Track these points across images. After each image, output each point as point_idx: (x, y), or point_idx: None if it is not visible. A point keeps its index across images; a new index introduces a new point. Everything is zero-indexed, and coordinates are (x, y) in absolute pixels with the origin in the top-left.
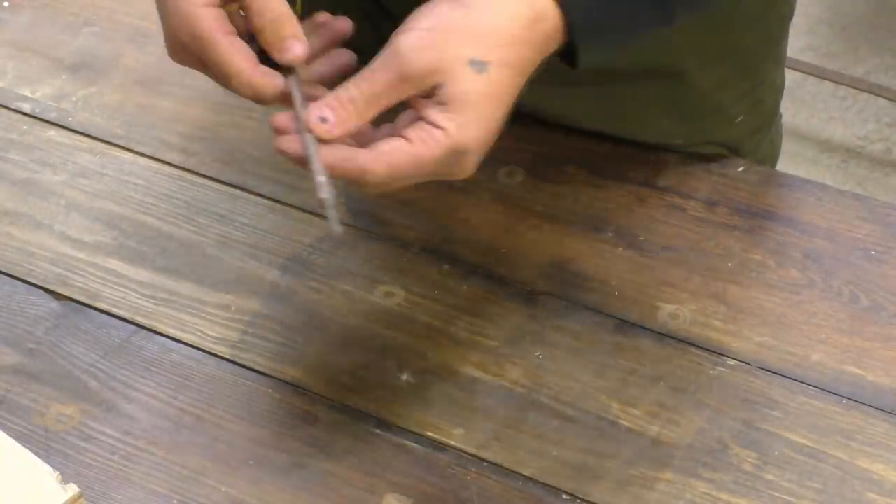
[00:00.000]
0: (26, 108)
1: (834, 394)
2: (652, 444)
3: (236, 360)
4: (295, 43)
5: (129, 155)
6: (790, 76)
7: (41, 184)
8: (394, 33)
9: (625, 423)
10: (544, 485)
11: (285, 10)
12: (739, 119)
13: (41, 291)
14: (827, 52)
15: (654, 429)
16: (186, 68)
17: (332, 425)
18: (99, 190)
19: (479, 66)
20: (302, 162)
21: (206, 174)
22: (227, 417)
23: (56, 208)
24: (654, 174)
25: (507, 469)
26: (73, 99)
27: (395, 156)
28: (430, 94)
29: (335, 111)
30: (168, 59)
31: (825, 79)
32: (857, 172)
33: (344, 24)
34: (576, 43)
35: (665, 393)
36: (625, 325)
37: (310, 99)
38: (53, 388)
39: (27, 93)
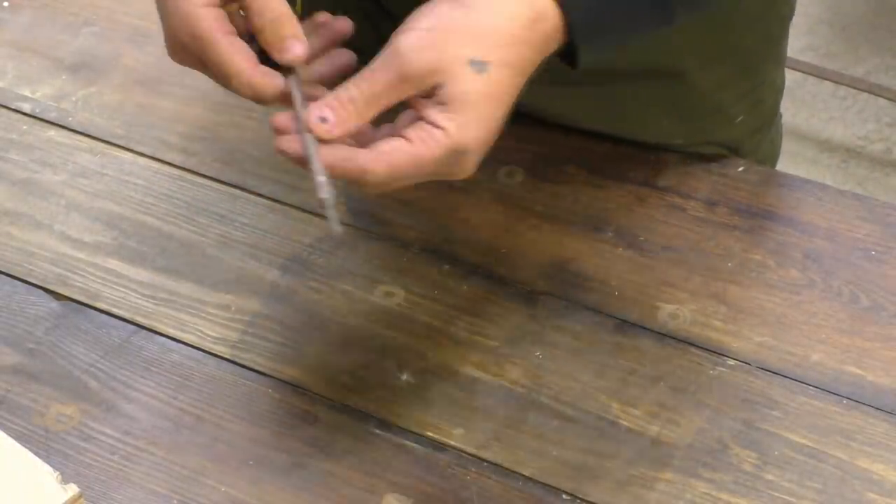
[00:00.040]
0: (26, 108)
1: (834, 394)
2: (652, 444)
3: (236, 360)
4: (295, 43)
5: (129, 155)
6: (790, 76)
7: (41, 184)
8: (394, 33)
9: (625, 423)
10: (544, 485)
11: (285, 10)
12: (739, 119)
13: (41, 291)
14: (827, 52)
15: (654, 429)
16: (186, 68)
17: (332, 425)
18: (99, 190)
19: (479, 66)
20: (302, 162)
21: (206, 174)
22: (227, 417)
23: (56, 208)
24: (654, 174)
25: (507, 469)
26: (73, 99)
27: (395, 156)
28: (430, 94)
29: (335, 111)
30: (168, 59)
31: (825, 79)
32: (857, 172)
33: (344, 24)
34: (576, 43)
35: (665, 393)
36: (625, 325)
37: (310, 99)
38: (53, 388)
39: (27, 93)
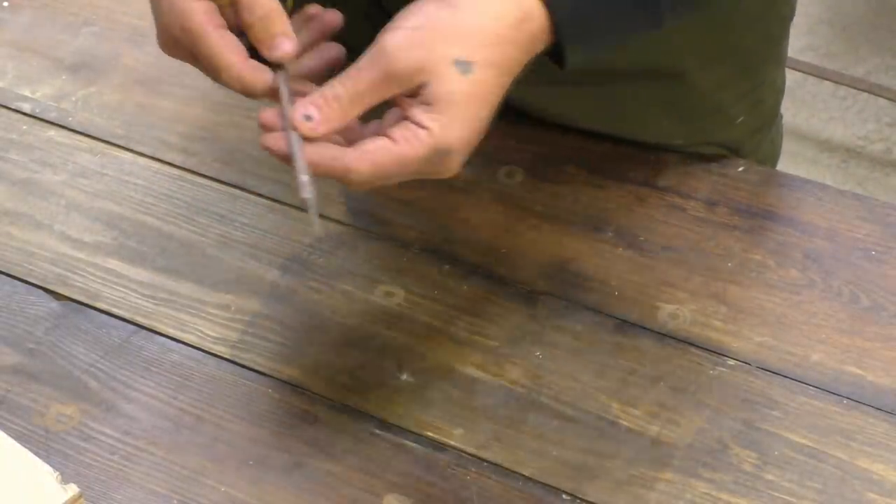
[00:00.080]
0: (26, 108)
1: (834, 394)
2: (652, 444)
3: (236, 360)
4: (284, 40)
5: (129, 155)
6: (790, 76)
7: (41, 184)
8: (381, 32)
9: (625, 423)
10: (544, 485)
11: (275, 7)
12: (740, 120)
13: (41, 291)
14: (827, 52)
15: (654, 429)
16: (186, 68)
17: (332, 425)
18: (99, 190)
19: (464, 66)
20: (287, 159)
21: (206, 174)
22: (227, 417)
23: (56, 208)
24: (654, 174)
25: (507, 469)
26: (73, 99)
27: (378, 155)
28: (415, 93)
29: (320, 109)
30: (167, 59)
31: (825, 79)
32: (857, 172)
33: (334, 17)
34: (563, 43)
35: (665, 393)
36: (625, 325)
37: (298, 95)
38: (53, 388)
39: (27, 93)
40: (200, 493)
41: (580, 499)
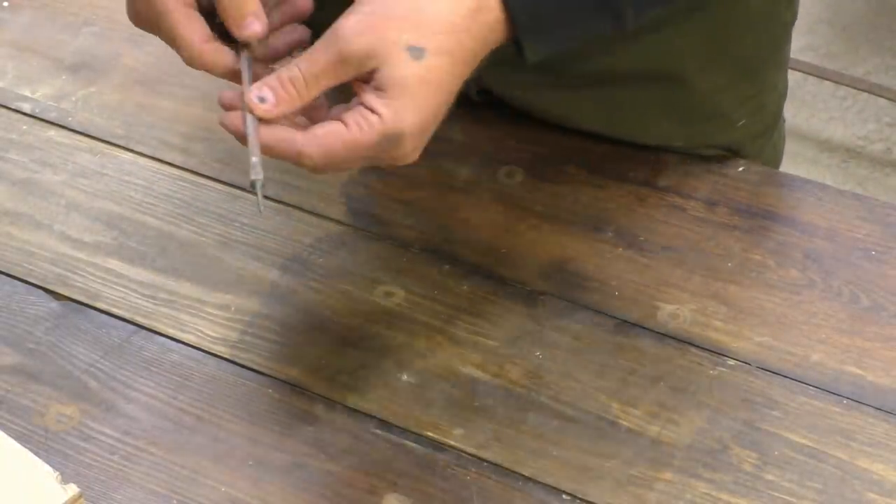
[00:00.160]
0: (26, 108)
1: (834, 394)
2: (652, 444)
3: (236, 359)
4: (254, 20)
5: (129, 155)
6: (790, 76)
7: (41, 184)
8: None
9: (625, 423)
10: (544, 485)
11: None
12: (741, 123)
13: (41, 291)
14: (827, 52)
15: (654, 429)
16: (186, 68)
17: (332, 425)
18: (99, 190)
19: (416, 52)
20: (244, 139)
21: (206, 174)
22: (227, 417)
23: (56, 208)
24: (654, 174)
25: (507, 469)
26: (73, 99)
27: (329, 139)
28: (369, 78)
29: (275, 91)
30: (167, 59)
31: (825, 79)
32: (857, 172)
33: (305, 3)
34: (519, 36)
35: (665, 393)
36: (625, 325)
37: (259, 78)
38: (53, 388)
39: (27, 93)
40: (200, 493)
41: (580, 499)
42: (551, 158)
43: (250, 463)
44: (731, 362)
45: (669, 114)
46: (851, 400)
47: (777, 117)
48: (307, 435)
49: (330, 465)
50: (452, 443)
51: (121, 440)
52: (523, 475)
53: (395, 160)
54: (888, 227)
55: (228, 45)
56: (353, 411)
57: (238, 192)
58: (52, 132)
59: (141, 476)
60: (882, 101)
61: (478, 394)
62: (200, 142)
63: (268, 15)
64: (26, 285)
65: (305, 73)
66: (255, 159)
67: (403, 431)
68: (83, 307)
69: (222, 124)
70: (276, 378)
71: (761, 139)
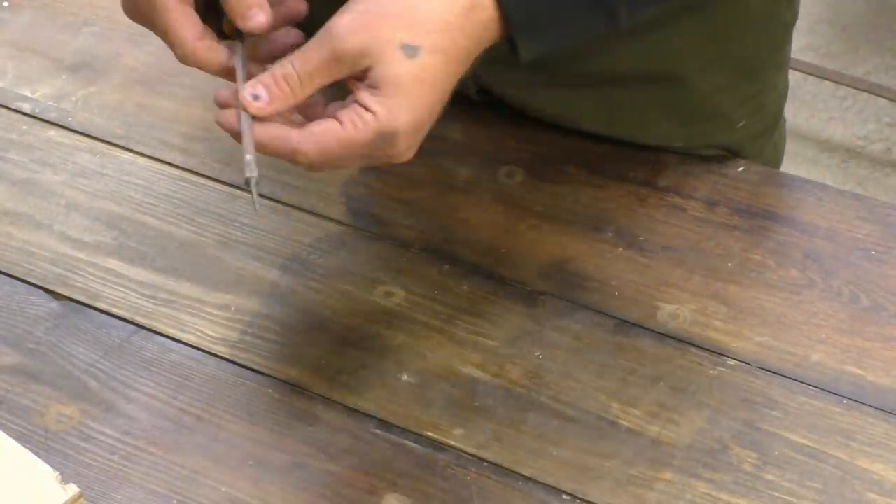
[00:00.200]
0: (26, 108)
1: (834, 394)
2: (652, 444)
3: (236, 359)
4: (258, 12)
5: (129, 155)
6: (790, 76)
7: (41, 184)
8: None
9: (625, 423)
10: (544, 485)
11: None
12: (741, 124)
13: (41, 291)
14: (827, 52)
15: (654, 429)
16: (186, 68)
17: (332, 425)
18: (99, 190)
19: (410, 50)
20: (239, 137)
21: (206, 174)
22: (227, 417)
23: (56, 208)
24: (654, 174)
25: (507, 469)
26: (73, 99)
27: (324, 137)
28: (363, 76)
29: (268, 88)
30: (167, 59)
31: (825, 79)
32: (857, 172)
33: (299, 5)
34: (513, 34)
35: (665, 393)
36: (625, 325)
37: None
38: (53, 388)
39: (27, 93)
40: (200, 493)
41: (580, 499)
42: (551, 158)
43: (250, 463)
44: (731, 362)
45: (669, 114)
46: (851, 400)
47: (777, 117)
48: (307, 435)
49: (330, 465)
50: (452, 443)
51: (121, 440)
52: (523, 475)
53: (390, 158)
54: (888, 227)
55: (223, 44)
56: (353, 411)
57: (238, 192)
58: (52, 132)
59: (141, 476)
60: (882, 101)
61: (478, 394)
62: (200, 142)
63: None
64: (26, 285)
65: (299, 70)
66: (249, 157)
67: (403, 431)
68: (83, 307)
69: (218, 122)
70: (276, 378)
71: (761, 139)
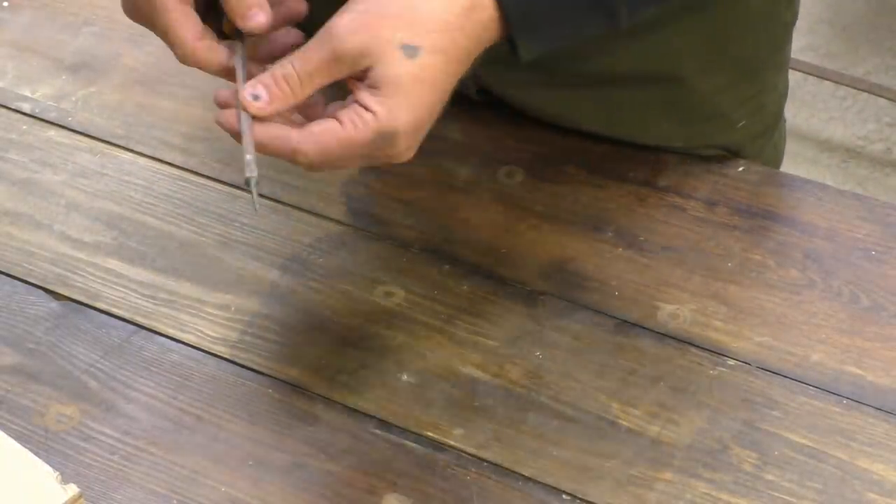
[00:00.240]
0: (26, 108)
1: (834, 394)
2: (652, 444)
3: (236, 359)
4: (258, 12)
5: (129, 155)
6: (790, 76)
7: (41, 184)
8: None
9: (625, 423)
10: (544, 485)
11: None
12: (741, 124)
13: (41, 291)
14: (827, 52)
15: (654, 429)
16: (186, 68)
17: (332, 425)
18: (99, 190)
19: (410, 50)
20: (239, 137)
21: (206, 174)
22: (227, 417)
23: (56, 208)
24: (654, 174)
25: (507, 469)
26: (73, 99)
27: (324, 137)
28: (363, 76)
29: (268, 88)
30: (167, 59)
31: (825, 79)
32: (857, 172)
33: (299, 5)
34: (513, 34)
35: (665, 393)
36: (625, 325)
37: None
38: (53, 388)
39: (27, 93)
40: (200, 493)
41: (580, 499)
42: (551, 158)
43: (250, 463)
44: (731, 362)
45: (669, 114)
46: (851, 400)
47: (777, 118)
48: (307, 435)
49: (330, 465)
50: (452, 443)
51: (121, 440)
52: (523, 475)
53: (390, 158)
54: (888, 227)
55: (223, 44)
56: (353, 411)
57: (238, 192)
58: (52, 132)
59: (141, 476)
60: (882, 101)
61: (478, 394)
62: (200, 142)
63: None
64: (26, 285)
65: (299, 70)
66: (249, 157)
67: (403, 431)
68: (83, 307)
69: (218, 122)
70: (276, 378)
71: (761, 139)
